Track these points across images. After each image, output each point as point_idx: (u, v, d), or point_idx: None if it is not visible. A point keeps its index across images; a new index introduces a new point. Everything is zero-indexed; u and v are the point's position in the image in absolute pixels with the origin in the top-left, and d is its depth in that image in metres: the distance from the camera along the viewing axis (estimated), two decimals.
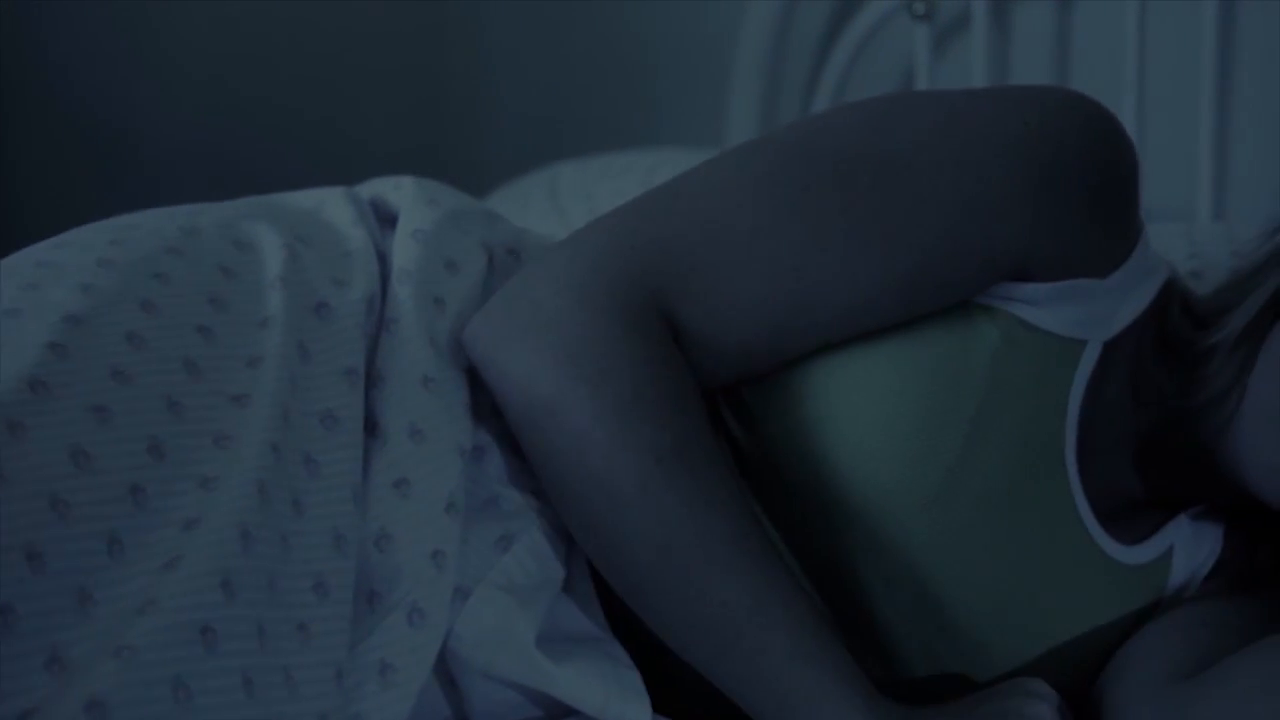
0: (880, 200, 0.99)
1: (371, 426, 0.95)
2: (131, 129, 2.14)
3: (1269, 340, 1.04)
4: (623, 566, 0.95)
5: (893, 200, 0.99)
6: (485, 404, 0.99)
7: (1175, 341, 1.08)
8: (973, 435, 1.00)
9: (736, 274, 0.98)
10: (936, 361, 1.00)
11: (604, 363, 0.94)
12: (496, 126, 2.16)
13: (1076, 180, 1.01)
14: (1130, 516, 1.10)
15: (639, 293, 0.96)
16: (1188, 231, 1.40)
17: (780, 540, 1.03)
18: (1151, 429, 1.09)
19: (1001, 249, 1.00)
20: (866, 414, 1.00)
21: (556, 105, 2.13)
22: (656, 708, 0.98)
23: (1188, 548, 1.10)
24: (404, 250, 1.02)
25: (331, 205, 1.06)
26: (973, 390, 1.00)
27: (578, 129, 2.10)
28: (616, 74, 2.08)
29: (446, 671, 0.94)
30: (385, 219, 1.07)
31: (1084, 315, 1.04)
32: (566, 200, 1.65)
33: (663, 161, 1.66)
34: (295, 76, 2.15)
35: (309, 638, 0.86)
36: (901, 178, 0.99)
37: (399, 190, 1.08)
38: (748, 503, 0.97)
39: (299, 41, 2.15)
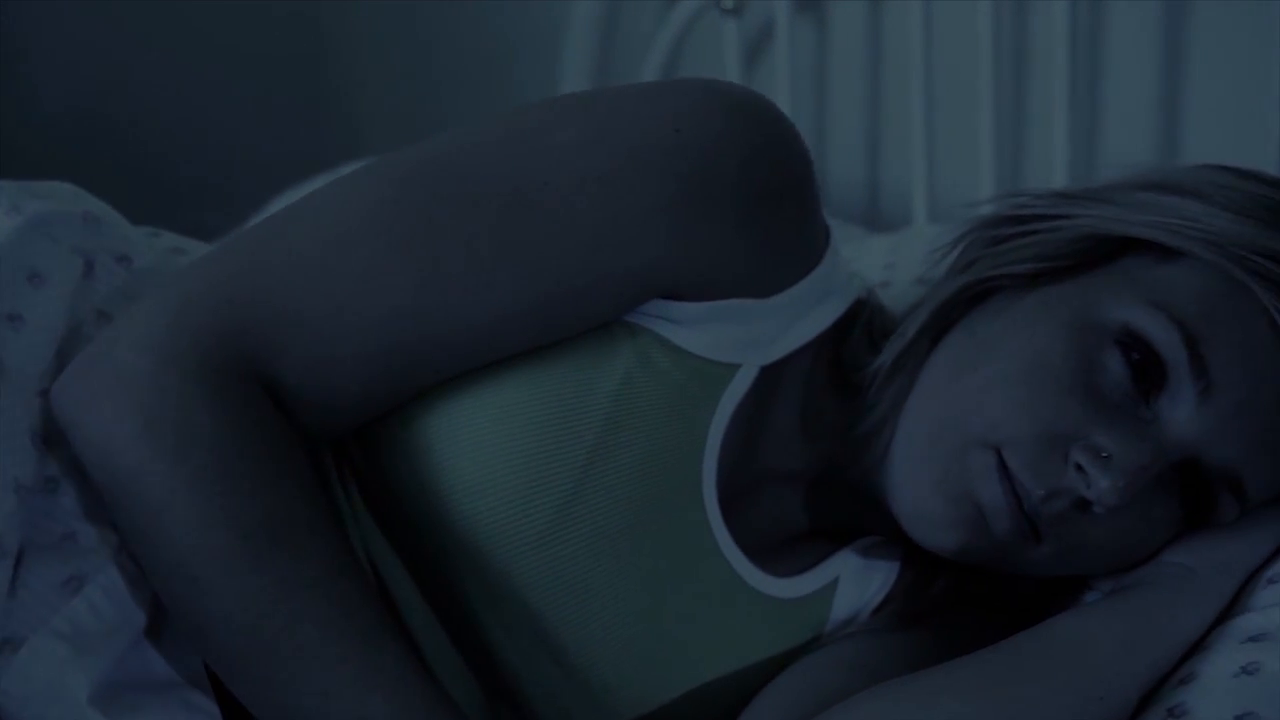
0: (510, 227, 0.90)
1: None
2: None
3: (923, 370, 0.97)
4: (212, 651, 0.87)
5: (524, 226, 0.90)
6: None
7: (848, 368, 1.00)
8: (590, 467, 0.92)
9: (344, 327, 0.88)
10: (560, 387, 0.92)
11: (186, 431, 0.85)
12: (369, 115, 2.13)
13: (732, 194, 0.92)
14: (796, 550, 1.01)
15: (229, 351, 0.87)
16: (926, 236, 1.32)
17: (415, 589, 0.95)
18: (823, 462, 1.00)
19: (645, 270, 0.92)
20: (479, 444, 0.91)
21: (417, 99, 2.09)
22: None
23: (855, 580, 1.02)
24: None
25: None
26: (595, 418, 0.92)
27: (442, 120, 2.05)
28: (467, 66, 2.03)
29: None
30: None
31: (739, 337, 0.96)
32: None
33: None
34: (166, 71, 2.10)
35: None
36: (536, 200, 0.90)
37: None
38: (358, 574, 0.88)
39: (168, 37, 2.10)
